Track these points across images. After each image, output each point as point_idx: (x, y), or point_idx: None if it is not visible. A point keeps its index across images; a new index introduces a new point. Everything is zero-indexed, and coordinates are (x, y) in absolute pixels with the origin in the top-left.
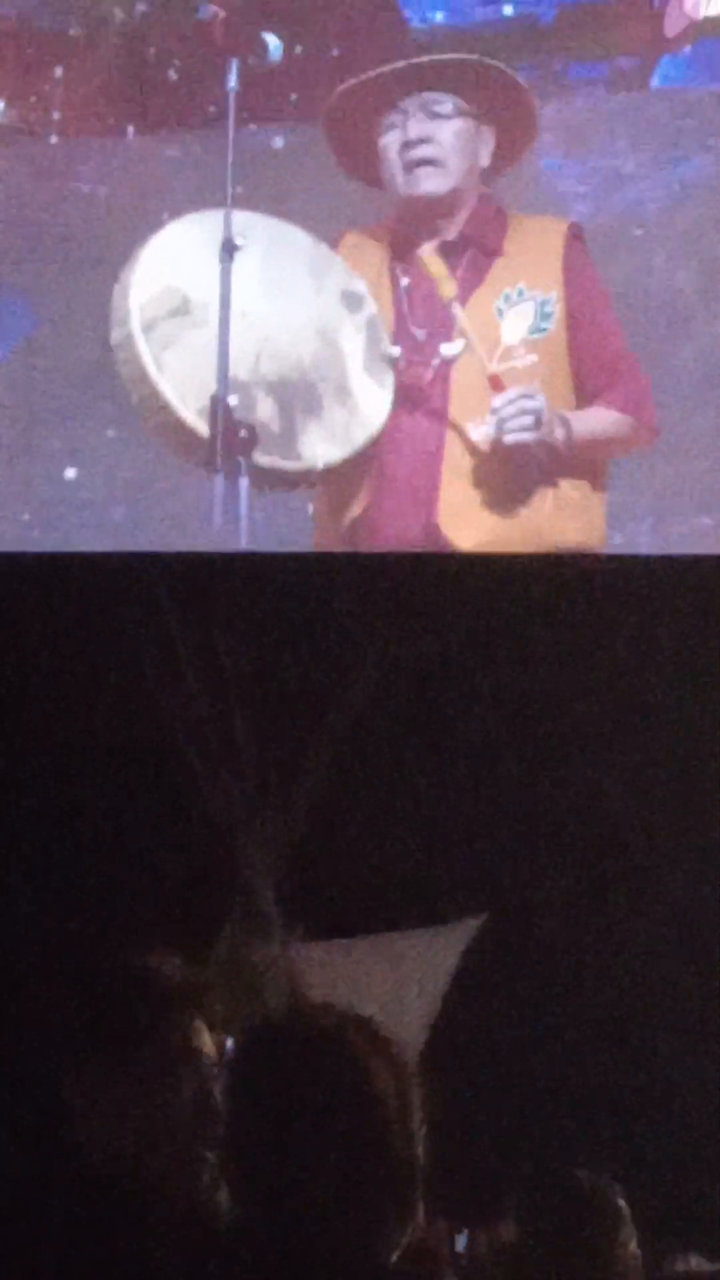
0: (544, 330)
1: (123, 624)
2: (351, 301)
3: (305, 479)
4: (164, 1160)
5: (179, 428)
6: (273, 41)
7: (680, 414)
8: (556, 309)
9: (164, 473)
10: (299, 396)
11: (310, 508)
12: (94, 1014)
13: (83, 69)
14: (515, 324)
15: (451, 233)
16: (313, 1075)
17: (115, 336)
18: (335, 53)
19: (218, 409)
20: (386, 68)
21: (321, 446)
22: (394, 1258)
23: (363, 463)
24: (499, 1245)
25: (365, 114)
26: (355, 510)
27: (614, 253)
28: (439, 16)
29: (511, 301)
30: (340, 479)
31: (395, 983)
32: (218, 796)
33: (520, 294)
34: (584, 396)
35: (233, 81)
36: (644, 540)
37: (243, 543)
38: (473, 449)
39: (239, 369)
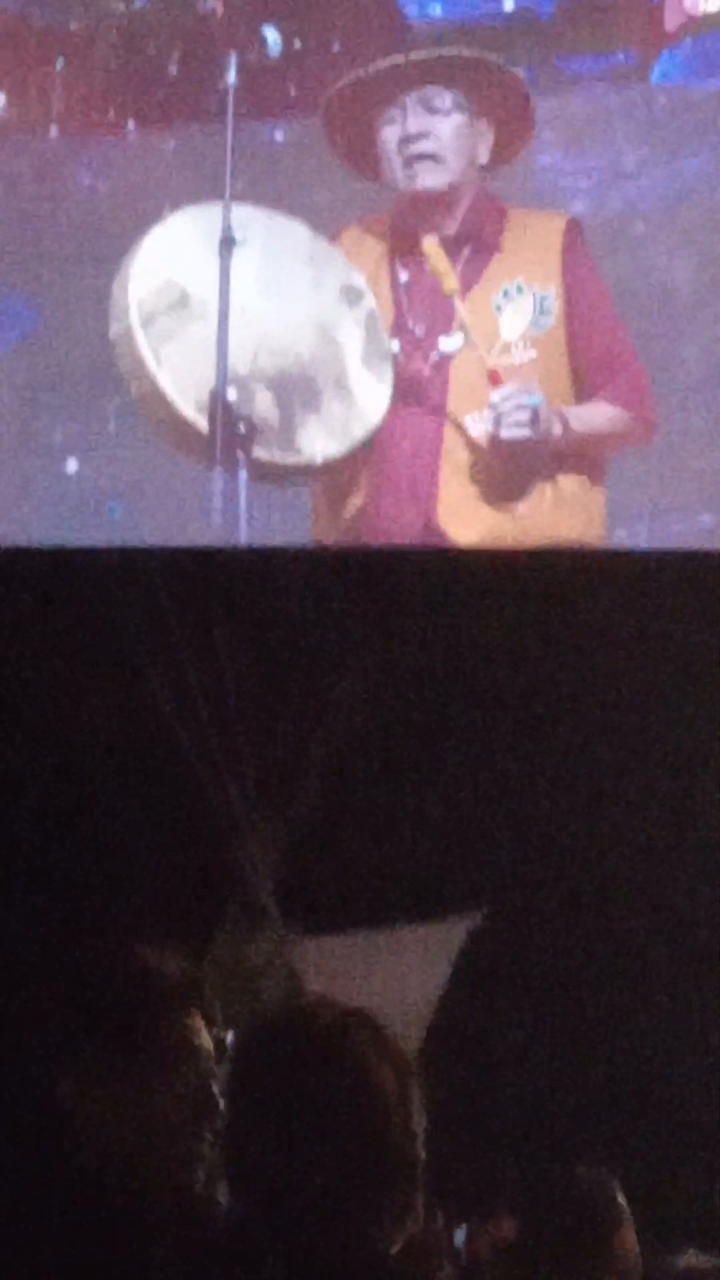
0: (543, 326)
1: (121, 618)
2: (351, 296)
3: (304, 473)
4: (163, 1156)
5: (178, 422)
6: (272, 36)
7: (680, 410)
8: (555, 304)
9: (164, 467)
10: (298, 391)
11: (309, 502)
12: (93, 1010)
13: (82, 63)
14: (514, 319)
15: (450, 228)
16: (311, 1071)
17: (114, 330)
18: (335, 47)
19: (216, 403)
20: (385, 62)
21: (320, 441)
22: (393, 1252)
23: (361, 457)
24: (498, 1241)
25: (364, 108)
26: (354, 505)
27: (613, 249)
28: (438, 11)
29: (510, 297)
30: (339, 474)
31: (394, 978)
32: (216, 790)
33: (519, 289)
34: (583, 392)
35: (232, 76)
36: (643, 537)
37: (242, 537)
38: (471, 444)
39: (238, 363)
